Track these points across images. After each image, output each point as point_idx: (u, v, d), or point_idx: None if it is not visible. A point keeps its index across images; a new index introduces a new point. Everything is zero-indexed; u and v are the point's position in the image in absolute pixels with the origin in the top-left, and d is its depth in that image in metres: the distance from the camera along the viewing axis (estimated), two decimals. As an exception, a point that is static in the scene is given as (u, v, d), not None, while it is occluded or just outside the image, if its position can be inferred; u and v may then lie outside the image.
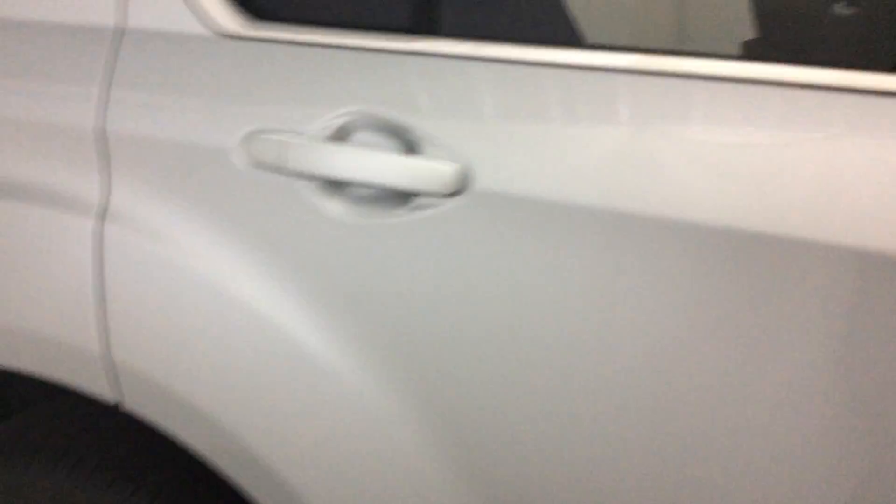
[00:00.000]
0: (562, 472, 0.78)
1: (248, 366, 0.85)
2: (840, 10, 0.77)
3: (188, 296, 0.86)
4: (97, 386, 0.91)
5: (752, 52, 0.76)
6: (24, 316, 0.90)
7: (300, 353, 0.83)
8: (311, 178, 0.80)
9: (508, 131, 0.75)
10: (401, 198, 0.78)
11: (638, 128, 0.73)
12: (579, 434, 0.76)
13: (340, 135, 0.80)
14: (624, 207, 0.71)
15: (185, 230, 0.85)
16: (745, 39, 0.80)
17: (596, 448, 0.76)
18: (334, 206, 0.80)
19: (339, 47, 0.81)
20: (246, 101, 0.83)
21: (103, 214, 0.88)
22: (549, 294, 0.74)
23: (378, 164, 0.77)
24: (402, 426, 0.82)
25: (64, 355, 0.90)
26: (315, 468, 0.86)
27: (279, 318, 0.83)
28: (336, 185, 0.80)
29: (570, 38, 0.80)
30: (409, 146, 0.78)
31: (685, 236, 0.70)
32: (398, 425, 0.82)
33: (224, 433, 0.87)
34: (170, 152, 0.85)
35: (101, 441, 1.05)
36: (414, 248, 0.77)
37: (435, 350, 0.78)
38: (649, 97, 0.73)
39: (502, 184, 0.74)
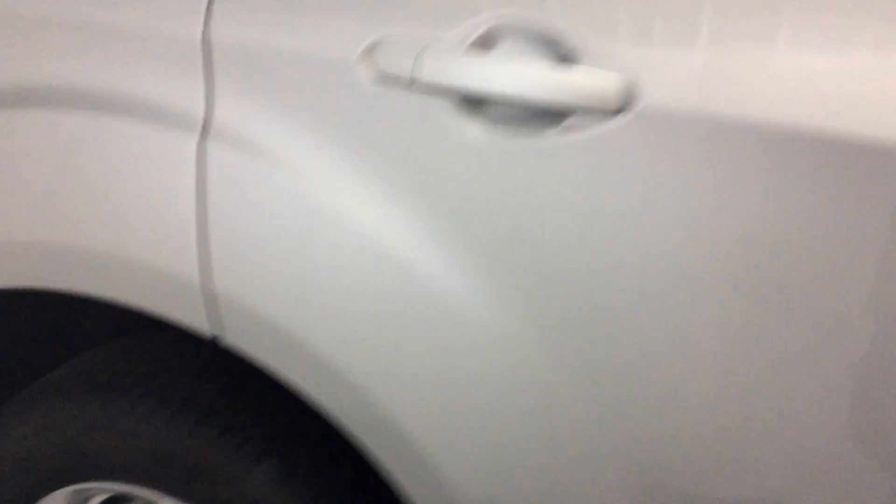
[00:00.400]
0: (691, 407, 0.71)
1: (365, 298, 0.77)
2: None
3: (299, 222, 0.78)
4: (195, 318, 0.83)
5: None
6: (118, 241, 0.83)
7: (426, 288, 0.75)
8: (447, 93, 0.71)
9: (679, 40, 0.66)
10: (551, 117, 0.70)
11: (825, 40, 0.64)
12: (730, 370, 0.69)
13: (484, 43, 0.71)
14: (810, 128, 0.62)
15: (296, 150, 0.77)
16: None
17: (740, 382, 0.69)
18: (473, 127, 0.71)
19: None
20: (372, 5, 0.74)
21: (206, 131, 0.80)
22: (722, 223, 0.66)
23: (529, 77, 0.69)
24: (536, 365, 0.74)
25: (160, 284, 0.83)
26: (432, 409, 0.79)
27: (402, 249, 0.75)
28: (476, 103, 0.72)
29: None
30: (564, 57, 0.69)
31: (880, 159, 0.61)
32: (533, 365, 0.75)
33: (334, 370, 0.80)
34: (280, 64, 0.77)
35: (184, 379, 0.98)
36: (564, 174, 0.69)
37: (582, 285, 0.71)
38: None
39: (672, 100, 0.66)
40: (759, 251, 0.65)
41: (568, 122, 0.69)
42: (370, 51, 0.73)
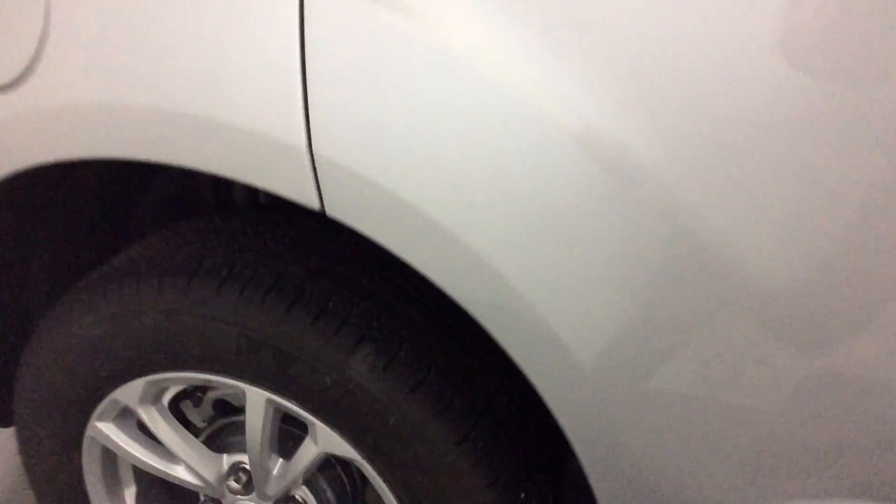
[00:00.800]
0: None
1: (493, 159, 0.68)
2: None
3: (417, 73, 0.68)
4: (301, 189, 0.74)
5: None
6: (212, 102, 0.73)
7: (581, 151, 0.66)
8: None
9: None
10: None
11: None
12: None
13: None
14: None
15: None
16: None
17: None
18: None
19: None
20: None
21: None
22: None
23: None
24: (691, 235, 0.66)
25: (261, 149, 0.73)
26: (567, 285, 0.71)
27: (538, 97, 0.65)
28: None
29: None
30: None
31: None
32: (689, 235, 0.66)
33: (461, 245, 0.71)
34: None
35: (271, 260, 0.90)
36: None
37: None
38: None
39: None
40: None
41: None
42: None
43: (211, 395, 1.06)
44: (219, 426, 1.07)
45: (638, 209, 0.65)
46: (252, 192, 1.19)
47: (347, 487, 1.05)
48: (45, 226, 1.10)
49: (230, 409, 1.09)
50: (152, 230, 1.11)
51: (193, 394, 1.08)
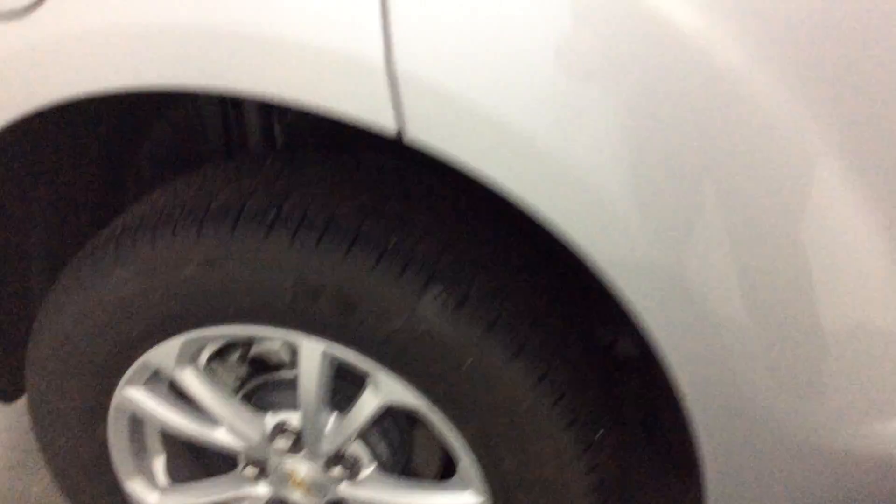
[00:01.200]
0: None
1: (609, 79, 0.62)
2: None
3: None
4: (375, 110, 0.67)
5: None
6: (272, 18, 0.65)
7: (686, 59, 0.60)
8: None
9: None
10: None
11: None
12: None
13: None
14: None
15: None
16: None
17: None
18: None
19: None
20: None
21: None
22: None
23: None
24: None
25: (323, 67, 0.65)
26: (671, 210, 0.66)
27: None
28: None
29: None
30: None
31: None
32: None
33: (564, 172, 0.65)
34: None
35: (322, 198, 0.82)
36: None
37: None
38: None
39: None
40: None
41: None
42: None
43: (252, 350, 0.98)
44: (256, 384, 1.00)
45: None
46: (268, 135, 1.10)
47: (398, 440, 1.00)
48: (45, 179, 1.00)
49: (266, 367, 1.01)
50: (157, 179, 1.02)
51: (224, 353, 1.01)
